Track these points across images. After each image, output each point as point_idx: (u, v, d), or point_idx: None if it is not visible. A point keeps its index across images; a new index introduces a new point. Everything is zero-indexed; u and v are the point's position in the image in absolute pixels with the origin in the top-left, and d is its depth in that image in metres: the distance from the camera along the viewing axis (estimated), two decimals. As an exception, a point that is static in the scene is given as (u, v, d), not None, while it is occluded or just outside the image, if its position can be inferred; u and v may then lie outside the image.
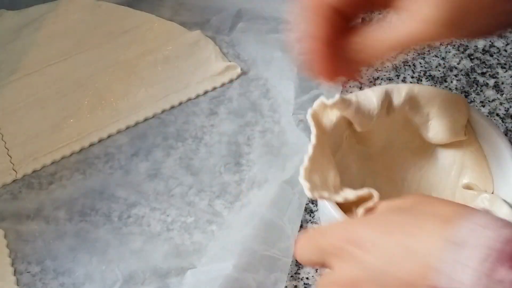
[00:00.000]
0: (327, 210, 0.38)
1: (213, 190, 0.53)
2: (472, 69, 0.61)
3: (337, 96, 0.39)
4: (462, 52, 0.63)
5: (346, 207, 0.38)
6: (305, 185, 0.36)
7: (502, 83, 0.60)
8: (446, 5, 0.32)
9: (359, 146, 0.45)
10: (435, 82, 0.60)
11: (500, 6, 0.33)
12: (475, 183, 0.44)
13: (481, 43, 0.64)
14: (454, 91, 0.59)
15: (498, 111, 0.58)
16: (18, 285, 0.48)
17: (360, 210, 0.36)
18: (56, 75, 0.62)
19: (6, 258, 0.49)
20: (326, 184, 0.37)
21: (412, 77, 0.61)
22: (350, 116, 0.41)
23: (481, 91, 0.59)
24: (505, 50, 0.63)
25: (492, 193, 0.43)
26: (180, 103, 0.60)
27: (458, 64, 0.62)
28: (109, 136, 0.57)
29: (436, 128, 0.43)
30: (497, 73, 0.61)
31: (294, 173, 0.53)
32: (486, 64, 0.62)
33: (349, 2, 0.36)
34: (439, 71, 0.61)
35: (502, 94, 0.59)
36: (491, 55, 0.62)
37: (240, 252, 0.48)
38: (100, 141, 0.57)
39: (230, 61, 0.62)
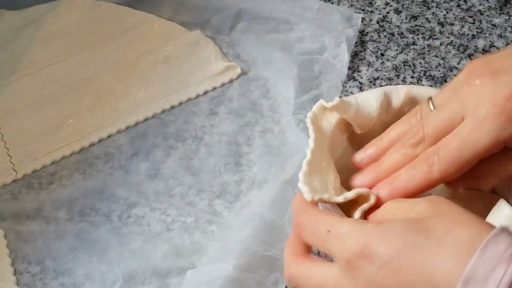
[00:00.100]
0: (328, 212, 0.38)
1: (213, 190, 0.53)
2: (472, 69, 0.61)
3: (336, 99, 0.39)
4: (462, 52, 0.63)
5: (346, 208, 0.38)
6: (304, 190, 0.36)
7: (502, 83, 0.60)
8: None
9: (359, 148, 0.45)
10: (435, 82, 0.60)
11: None
12: None
13: (481, 43, 0.64)
14: (454, 91, 0.59)
15: (498, 111, 0.58)
16: (18, 285, 0.48)
17: (357, 214, 0.36)
18: (56, 75, 0.62)
19: (6, 258, 0.49)
20: (326, 186, 0.37)
21: (412, 77, 0.61)
22: (350, 118, 0.41)
23: (481, 91, 0.59)
24: (505, 50, 0.63)
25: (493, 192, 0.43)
26: (180, 103, 0.60)
27: (458, 64, 0.62)
28: (109, 136, 0.57)
29: (435, 129, 0.43)
30: (497, 73, 0.61)
31: (294, 173, 0.53)
32: (486, 64, 0.62)
33: None
34: (439, 71, 0.61)
35: (502, 94, 0.59)
36: (491, 55, 0.62)
37: (240, 252, 0.48)
38: (100, 141, 0.57)
39: (230, 61, 0.62)
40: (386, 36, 0.65)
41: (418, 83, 0.61)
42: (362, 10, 0.68)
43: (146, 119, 0.59)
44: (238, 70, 0.62)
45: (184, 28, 0.65)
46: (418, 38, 0.65)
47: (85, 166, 0.55)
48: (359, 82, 0.61)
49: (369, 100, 0.41)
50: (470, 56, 0.63)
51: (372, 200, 0.36)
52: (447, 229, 0.30)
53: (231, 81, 0.61)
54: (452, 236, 0.30)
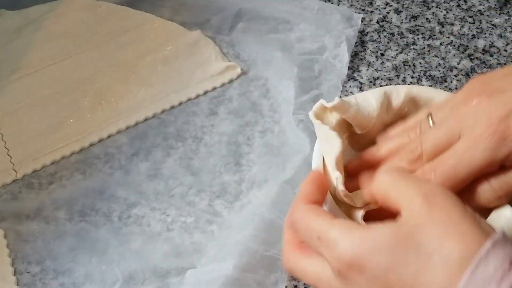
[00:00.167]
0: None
1: (213, 190, 0.53)
2: (472, 69, 0.61)
3: (336, 99, 0.40)
4: (462, 52, 0.63)
5: (346, 208, 0.38)
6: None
7: (502, 83, 0.60)
8: None
9: (359, 147, 0.45)
10: (435, 82, 0.60)
11: None
12: None
13: (481, 43, 0.64)
14: (454, 91, 0.59)
15: (498, 111, 0.58)
16: (18, 285, 0.48)
17: (360, 213, 0.36)
18: (56, 75, 0.62)
19: (6, 258, 0.49)
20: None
21: (412, 77, 0.61)
22: (350, 118, 0.41)
23: (481, 91, 0.59)
24: (505, 50, 0.63)
25: None
26: (180, 103, 0.60)
27: (458, 64, 0.62)
28: (109, 136, 0.57)
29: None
30: (497, 73, 0.61)
31: (294, 173, 0.53)
32: (486, 64, 0.62)
33: None
34: (439, 71, 0.61)
35: (502, 94, 0.59)
36: (491, 55, 0.63)
37: (240, 252, 0.48)
38: (100, 141, 0.57)
39: (230, 61, 0.62)
40: (386, 36, 0.65)
41: (418, 83, 0.61)
42: (362, 10, 0.68)
43: (146, 119, 0.59)
44: (238, 70, 0.62)
45: (184, 28, 0.65)
46: (418, 38, 0.65)
47: (85, 166, 0.55)
48: (359, 82, 0.61)
49: (369, 100, 0.41)
50: (470, 56, 0.63)
51: (373, 207, 0.36)
52: (438, 244, 0.30)
53: (231, 81, 0.61)
54: (443, 253, 0.29)
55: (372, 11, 0.67)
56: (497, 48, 0.63)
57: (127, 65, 0.62)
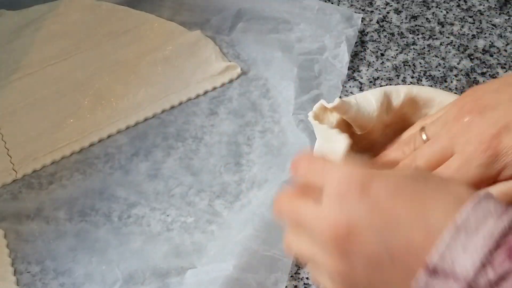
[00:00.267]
0: None
1: (213, 190, 0.54)
2: (472, 69, 0.61)
3: (337, 99, 0.40)
4: (462, 52, 0.63)
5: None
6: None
7: (502, 83, 0.60)
8: None
9: (359, 148, 0.45)
10: (435, 82, 0.60)
11: None
12: None
13: (481, 43, 0.64)
14: (454, 91, 0.59)
15: (498, 111, 0.58)
16: (18, 285, 0.48)
17: None
18: (56, 75, 0.62)
19: (6, 258, 0.49)
20: None
21: (412, 77, 0.61)
22: (350, 119, 0.41)
23: (481, 91, 0.59)
24: (505, 50, 0.63)
25: None
26: (180, 103, 0.60)
27: (458, 64, 0.62)
28: (109, 136, 0.57)
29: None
30: (497, 73, 0.61)
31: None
32: (486, 64, 0.62)
33: None
34: (439, 71, 0.61)
35: (502, 94, 0.59)
36: (491, 55, 0.63)
37: (240, 252, 0.48)
38: (100, 141, 0.57)
39: (230, 61, 0.62)
40: (386, 36, 0.65)
41: (418, 83, 0.61)
42: (362, 10, 0.68)
43: (146, 119, 0.59)
44: (238, 70, 0.62)
45: (184, 28, 0.65)
46: (418, 38, 0.65)
47: (85, 166, 0.55)
48: (359, 82, 0.61)
49: (369, 100, 0.41)
50: (470, 56, 0.63)
51: None
52: (444, 181, 0.31)
53: (231, 81, 0.61)
54: (450, 186, 0.31)
55: (372, 11, 0.67)
56: (497, 48, 0.63)
57: (127, 65, 0.62)
